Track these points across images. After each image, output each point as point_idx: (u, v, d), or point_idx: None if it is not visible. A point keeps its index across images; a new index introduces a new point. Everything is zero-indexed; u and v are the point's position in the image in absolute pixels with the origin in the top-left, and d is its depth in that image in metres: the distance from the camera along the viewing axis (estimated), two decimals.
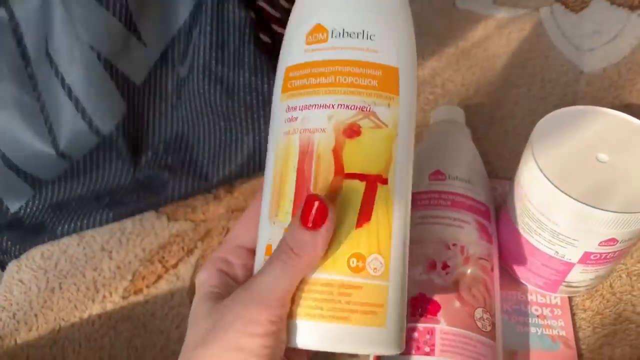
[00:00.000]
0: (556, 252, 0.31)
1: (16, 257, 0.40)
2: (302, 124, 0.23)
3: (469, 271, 0.32)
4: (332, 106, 0.22)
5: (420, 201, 0.35)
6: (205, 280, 0.24)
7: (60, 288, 0.38)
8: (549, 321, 0.35)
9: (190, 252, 0.39)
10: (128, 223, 0.41)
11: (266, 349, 0.20)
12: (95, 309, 0.37)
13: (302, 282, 0.21)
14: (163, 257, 0.39)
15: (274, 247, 0.22)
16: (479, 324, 0.29)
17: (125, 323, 0.36)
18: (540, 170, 0.29)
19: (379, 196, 0.22)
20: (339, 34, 0.23)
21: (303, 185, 0.22)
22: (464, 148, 0.39)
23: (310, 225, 0.21)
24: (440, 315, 0.29)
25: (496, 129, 0.46)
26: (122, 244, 0.40)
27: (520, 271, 0.35)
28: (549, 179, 0.29)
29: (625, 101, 0.48)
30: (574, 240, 0.30)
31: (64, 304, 0.37)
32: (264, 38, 0.44)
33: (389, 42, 0.23)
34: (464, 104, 0.48)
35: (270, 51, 0.41)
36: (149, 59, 0.40)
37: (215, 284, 0.23)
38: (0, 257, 0.40)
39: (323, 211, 0.21)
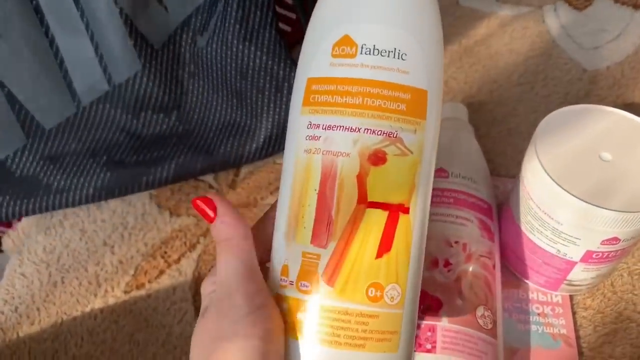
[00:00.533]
0: (558, 250, 0.31)
1: (9, 215, 0.40)
2: (325, 145, 0.22)
3: (470, 269, 0.32)
4: (359, 130, 0.21)
5: None
6: (204, 291, 0.24)
7: (63, 282, 0.38)
8: (549, 319, 0.35)
9: (192, 247, 0.40)
10: (130, 218, 0.41)
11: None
12: (97, 303, 0.37)
13: (320, 308, 0.22)
14: (165, 252, 0.39)
15: (290, 268, 0.22)
16: (480, 321, 0.30)
17: (127, 317, 0.36)
18: (543, 168, 0.29)
19: (400, 226, 0.22)
20: (369, 50, 0.21)
21: (324, 210, 0.22)
22: (467, 146, 0.39)
23: (212, 216, 0.23)
24: (441, 313, 0.29)
25: (499, 127, 0.46)
26: (124, 239, 0.40)
27: (521, 269, 0.35)
28: (551, 177, 0.29)
29: (629, 100, 0.48)
30: (576, 238, 0.30)
31: (66, 298, 0.37)
32: (283, 26, 0.44)
33: (421, 63, 0.22)
34: (466, 101, 0.48)
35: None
36: (169, 25, 0.40)
37: (211, 290, 0.23)
38: None
39: (209, 201, 0.23)
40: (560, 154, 0.30)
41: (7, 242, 0.47)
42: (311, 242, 0.22)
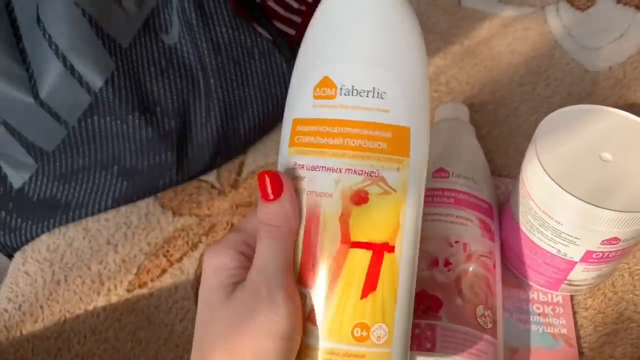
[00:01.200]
0: (558, 250, 0.31)
1: (31, 237, 0.40)
2: (309, 186, 0.22)
3: (470, 268, 0.32)
4: (340, 170, 0.22)
5: (425, 198, 0.35)
6: (222, 265, 0.22)
7: (66, 280, 0.39)
8: (550, 319, 0.35)
9: (194, 246, 0.40)
10: (134, 217, 0.42)
11: (286, 319, 0.21)
12: (100, 302, 0.37)
13: (307, 347, 0.22)
14: (168, 251, 0.40)
15: None
16: (480, 321, 0.30)
17: (129, 316, 0.36)
18: (543, 168, 0.29)
19: (385, 265, 0.22)
20: (348, 91, 0.22)
21: (310, 250, 0.22)
22: (468, 146, 0.39)
23: (271, 197, 0.21)
24: (441, 312, 0.29)
25: (500, 128, 0.46)
26: (127, 238, 0.40)
27: (522, 269, 0.35)
28: (551, 177, 0.29)
29: (630, 100, 0.48)
30: (576, 238, 0.30)
31: (70, 296, 0.38)
32: (288, 30, 0.45)
33: (401, 100, 0.22)
34: (468, 102, 0.48)
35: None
36: (132, 26, 0.41)
37: (234, 266, 0.22)
38: (9, 237, 0.41)
39: (277, 181, 0.21)
40: (561, 154, 0.30)
41: None
42: (298, 282, 0.22)
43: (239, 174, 0.44)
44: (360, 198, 0.22)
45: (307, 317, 0.22)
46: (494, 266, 0.33)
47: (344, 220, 0.22)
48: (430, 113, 0.47)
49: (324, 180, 0.22)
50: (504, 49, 0.52)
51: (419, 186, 0.23)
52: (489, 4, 0.57)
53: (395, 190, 0.22)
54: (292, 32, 0.54)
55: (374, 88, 0.21)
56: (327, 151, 0.22)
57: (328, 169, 0.22)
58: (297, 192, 0.22)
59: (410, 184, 0.22)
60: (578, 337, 0.34)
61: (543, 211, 0.31)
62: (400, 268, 0.22)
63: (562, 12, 0.55)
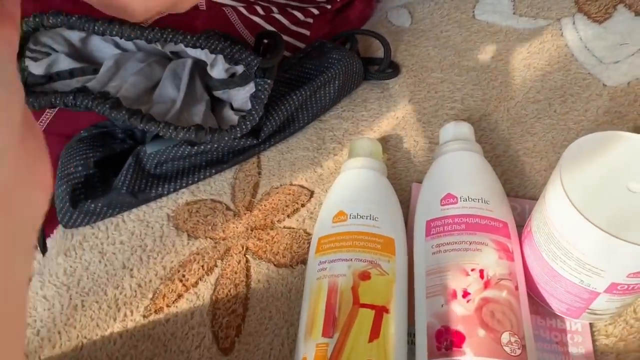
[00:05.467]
0: (581, 280, 0.31)
1: (102, 217, 0.43)
2: (329, 272, 0.34)
3: (490, 295, 0.31)
4: (351, 259, 0.34)
5: (435, 228, 0.35)
6: None
7: (83, 306, 0.39)
8: (568, 348, 0.34)
9: (210, 270, 0.40)
10: (148, 240, 0.42)
11: None
12: (116, 328, 0.37)
13: None
14: (183, 276, 0.39)
15: (307, 358, 0.31)
16: (507, 349, 0.29)
17: (146, 342, 0.36)
18: (568, 197, 0.29)
19: (385, 321, 0.31)
20: (355, 216, 0.36)
21: (330, 311, 0.32)
22: (474, 165, 0.38)
23: None
24: (465, 346, 0.29)
25: (516, 146, 0.46)
26: (142, 262, 0.40)
27: (542, 295, 0.35)
28: (575, 207, 0.28)
29: None
30: (601, 270, 0.29)
31: (86, 322, 0.38)
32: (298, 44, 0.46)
33: (388, 221, 0.36)
34: (483, 119, 0.48)
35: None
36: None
37: None
38: (87, 218, 0.42)
39: None
40: (586, 183, 0.30)
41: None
42: (322, 335, 0.31)
43: (253, 195, 0.44)
44: (365, 276, 0.33)
45: (330, 358, 0.30)
46: (517, 287, 0.32)
47: (355, 289, 0.33)
48: (434, 134, 0.47)
49: (340, 266, 0.34)
50: (519, 64, 0.52)
51: (404, 273, 0.35)
52: (504, 17, 0.56)
53: (388, 274, 0.34)
54: (302, 45, 0.54)
55: (370, 214, 0.36)
56: (343, 249, 0.35)
57: (343, 259, 0.34)
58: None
59: (397, 271, 0.34)
60: None
61: (567, 241, 0.30)
62: (394, 324, 0.32)
63: (579, 24, 0.54)
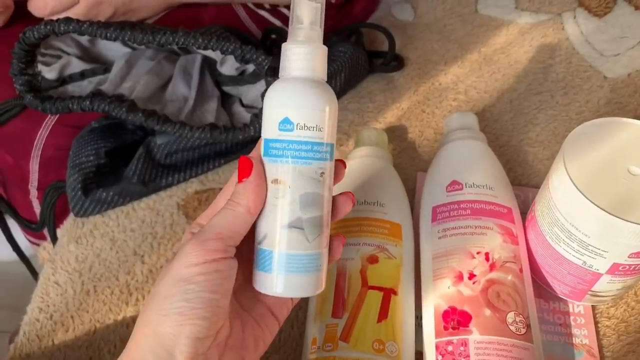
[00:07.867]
0: (584, 262, 0.32)
1: (113, 206, 0.44)
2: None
3: (496, 277, 0.32)
4: (360, 244, 0.35)
5: (441, 214, 0.36)
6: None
7: (95, 291, 0.39)
8: (571, 330, 0.35)
9: None
10: (159, 228, 0.42)
11: (203, 276, 0.23)
12: (129, 312, 0.38)
13: (339, 359, 0.30)
14: None
15: (317, 338, 0.32)
16: (512, 328, 0.30)
17: None
18: (571, 180, 0.30)
19: (392, 302, 0.32)
20: (362, 202, 0.37)
21: (339, 294, 0.33)
22: (478, 153, 0.39)
23: (240, 180, 0.25)
24: (472, 326, 0.30)
25: (519, 136, 0.47)
26: (153, 249, 0.41)
27: (545, 278, 0.36)
28: (578, 189, 0.29)
29: None
30: (604, 251, 0.30)
31: (99, 306, 0.39)
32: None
33: (395, 207, 0.37)
34: (486, 110, 0.49)
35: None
36: None
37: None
38: (99, 206, 0.43)
39: (245, 165, 0.25)
40: (588, 166, 0.30)
41: (42, 254, 0.48)
42: (332, 316, 0.32)
43: None
44: (373, 259, 0.34)
45: (340, 337, 0.31)
46: (521, 269, 0.33)
47: (363, 272, 0.34)
48: (439, 125, 0.47)
49: (349, 250, 0.35)
50: (522, 57, 0.52)
51: (411, 257, 0.36)
52: (506, 11, 0.57)
53: (395, 258, 0.35)
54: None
55: (377, 201, 0.37)
56: (352, 234, 0.35)
57: (352, 244, 0.35)
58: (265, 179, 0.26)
59: (404, 255, 0.35)
60: (600, 347, 0.35)
61: (570, 223, 0.31)
62: (403, 306, 0.33)
63: (580, 18, 0.55)
